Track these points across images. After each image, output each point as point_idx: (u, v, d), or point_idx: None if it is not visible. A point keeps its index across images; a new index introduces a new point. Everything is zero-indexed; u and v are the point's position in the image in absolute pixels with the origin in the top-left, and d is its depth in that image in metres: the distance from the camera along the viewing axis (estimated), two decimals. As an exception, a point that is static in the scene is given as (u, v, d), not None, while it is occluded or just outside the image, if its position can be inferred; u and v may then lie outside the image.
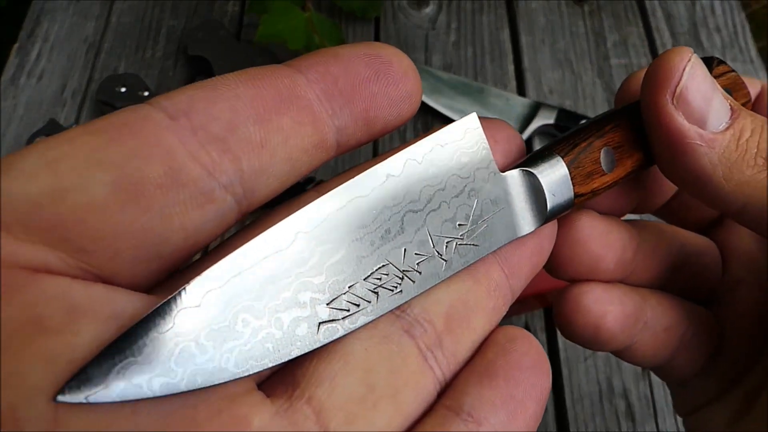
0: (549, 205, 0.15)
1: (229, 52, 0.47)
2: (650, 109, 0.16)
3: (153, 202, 0.11)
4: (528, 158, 0.16)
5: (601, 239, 0.17)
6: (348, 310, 0.13)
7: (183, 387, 0.11)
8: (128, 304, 0.11)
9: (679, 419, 0.35)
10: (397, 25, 0.50)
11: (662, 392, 0.36)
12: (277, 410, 0.11)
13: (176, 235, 0.11)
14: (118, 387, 0.10)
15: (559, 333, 0.37)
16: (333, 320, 0.12)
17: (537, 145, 0.44)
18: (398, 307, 0.13)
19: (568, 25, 0.50)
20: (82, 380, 0.10)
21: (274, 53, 0.48)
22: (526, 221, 0.15)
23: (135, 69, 0.48)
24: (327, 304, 0.12)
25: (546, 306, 0.38)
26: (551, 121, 0.43)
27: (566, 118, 0.43)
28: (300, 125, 0.12)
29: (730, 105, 0.16)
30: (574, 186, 0.16)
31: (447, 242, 0.14)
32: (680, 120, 0.16)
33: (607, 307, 0.18)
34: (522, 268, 0.15)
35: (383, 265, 0.13)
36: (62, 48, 0.49)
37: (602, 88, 0.47)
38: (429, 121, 0.45)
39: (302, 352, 0.12)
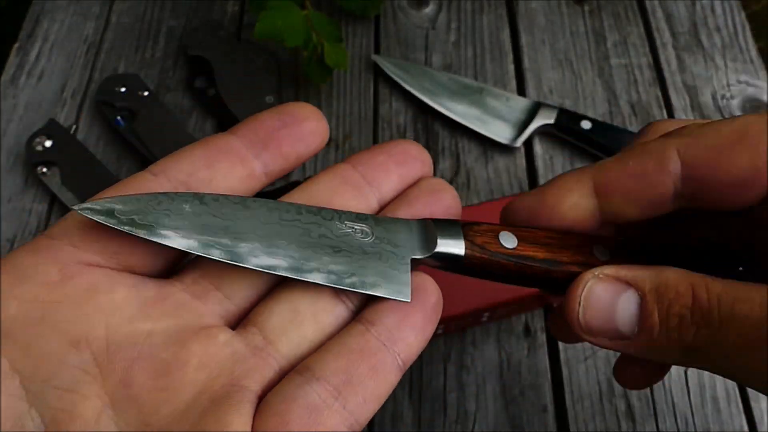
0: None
1: (229, 52, 0.47)
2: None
3: None
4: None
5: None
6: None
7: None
8: (144, 281, 0.18)
9: (680, 419, 0.35)
10: (396, 25, 0.50)
11: (662, 392, 0.36)
12: (236, 333, 0.17)
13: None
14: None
15: (559, 333, 0.37)
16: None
17: (537, 145, 0.44)
18: None
19: (568, 25, 0.50)
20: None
21: (274, 52, 0.48)
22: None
23: (135, 69, 0.48)
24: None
25: (546, 305, 0.38)
26: (551, 120, 0.43)
27: (566, 117, 0.43)
28: (233, 165, 0.19)
29: (637, 304, 0.18)
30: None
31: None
32: (605, 342, 0.18)
33: None
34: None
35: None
36: (62, 48, 0.49)
37: (602, 87, 0.47)
38: (429, 120, 0.45)
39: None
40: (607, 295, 0.18)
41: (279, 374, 0.17)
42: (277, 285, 0.18)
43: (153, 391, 0.15)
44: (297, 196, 0.20)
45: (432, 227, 0.19)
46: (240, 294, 0.18)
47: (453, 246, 0.19)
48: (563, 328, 0.23)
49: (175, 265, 0.19)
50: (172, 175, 0.18)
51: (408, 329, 0.17)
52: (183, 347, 0.16)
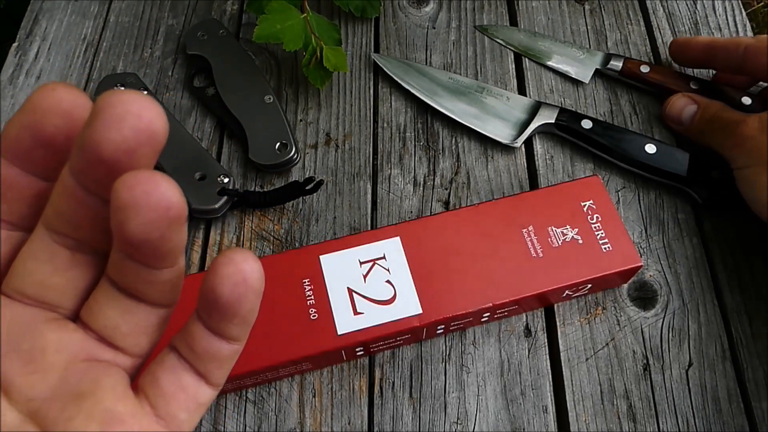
0: None
1: (228, 52, 0.46)
2: None
3: None
4: None
5: None
6: None
7: None
8: None
9: (681, 420, 0.35)
10: (396, 24, 0.50)
11: (663, 393, 0.36)
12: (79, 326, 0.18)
13: None
14: None
15: (559, 334, 0.37)
16: None
17: (538, 144, 0.44)
18: None
19: (569, 24, 0.50)
20: None
21: (273, 52, 0.48)
22: None
23: (134, 68, 0.48)
24: None
25: (546, 306, 0.38)
26: (552, 120, 0.43)
27: (567, 117, 0.43)
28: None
29: (694, 111, 0.43)
30: None
31: None
32: (674, 125, 0.44)
33: None
34: None
35: None
36: (60, 47, 0.49)
37: (603, 86, 0.47)
38: (429, 119, 0.45)
39: None
40: (682, 102, 0.42)
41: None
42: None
43: (24, 375, 0.17)
44: None
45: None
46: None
47: None
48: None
49: None
50: None
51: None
52: (39, 336, 0.17)
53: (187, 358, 0.18)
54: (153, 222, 0.14)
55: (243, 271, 0.16)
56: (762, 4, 1.12)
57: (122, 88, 0.44)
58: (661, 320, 0.38)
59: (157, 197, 0.14)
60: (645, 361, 0.37)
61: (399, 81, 0.46)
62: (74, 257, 0.17)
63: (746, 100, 0.42)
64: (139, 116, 0.14)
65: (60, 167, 0.16)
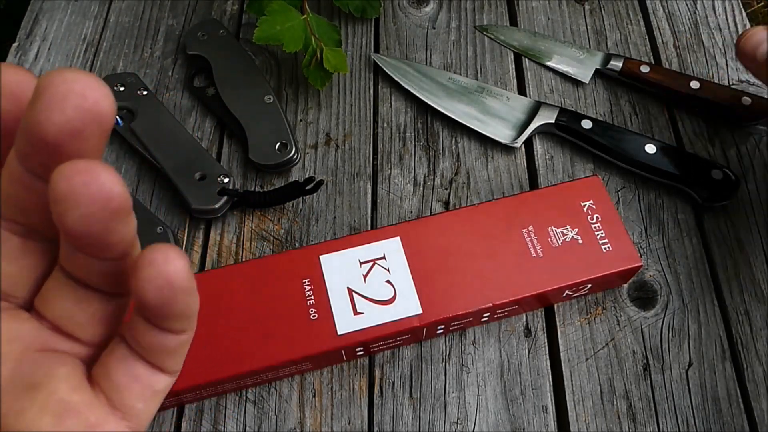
0: None
1: (228, 52, 0.46)
2: None
3: None
4: None
5: None
6: None
7: None
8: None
9: (681, 420, 0.35)
10: (396, 24, 0.50)
11: (663, 393, 0.36)
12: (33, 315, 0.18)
13: None
14: None
15: (559, 334, 0.37)
16: None
17: (538, 144, 0.44)
18: None
19: (569, 24, 0.50)
20: None
21: (273, 52, 0.48)
22: None
23: (134, 68, 0.48)
24: None
25: (546, 306, 0.38)
26: (552, 120, 0.43)
27: (567, 117, 0.43)
28: None
29: None
30: None
31: None
32: (746, 62, 0.35)
33: None
34: None
35: None
36: (60, 47, 0.49)
37: (603, 87, 0.47)
38: (429, 119, 0.45)
39: None
40: (761, 36, 0.34)
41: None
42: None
43: None
44: None
45: None
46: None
47: None
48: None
49: None
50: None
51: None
52: None
53: (135, 349, 0.18)
54: (93, 214, 0.14)
55: (166, 274, 0.15)
56: (762, 4, 1.12)
57: (122, 88, 0.44)
58: (661, 320, 0.38)
59: (96, 188, 0.13)
60: (645, 361, 0.37)
61: (399, 81, 0.46)
62: (26, 245, 0.17)
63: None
64: (84, 96, 0.13)
65: (8, 151, 0.15)
